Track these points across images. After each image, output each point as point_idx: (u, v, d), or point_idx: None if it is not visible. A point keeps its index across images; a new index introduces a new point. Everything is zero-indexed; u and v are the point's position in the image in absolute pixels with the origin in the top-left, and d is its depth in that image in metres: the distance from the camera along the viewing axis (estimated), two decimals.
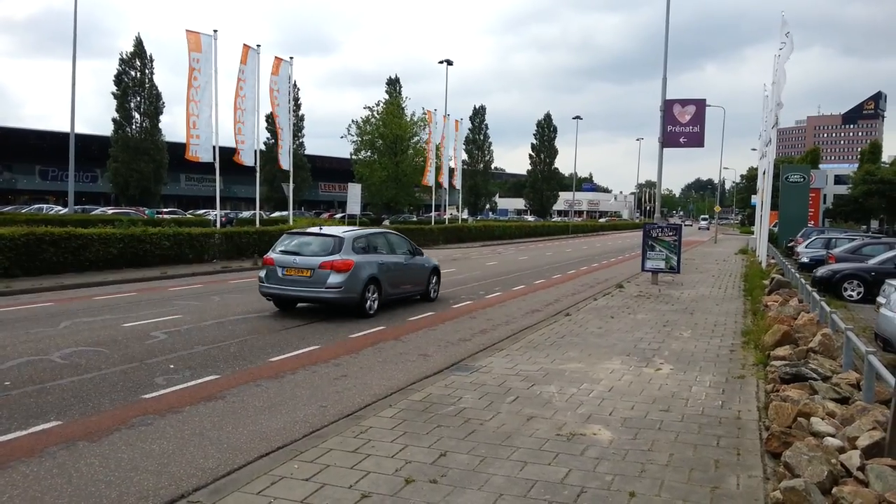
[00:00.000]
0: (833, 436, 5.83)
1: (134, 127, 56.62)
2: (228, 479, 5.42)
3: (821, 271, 19.89)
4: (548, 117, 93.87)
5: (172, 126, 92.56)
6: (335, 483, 5.25)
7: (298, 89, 62.39)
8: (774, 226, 43.35)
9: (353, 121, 60.14)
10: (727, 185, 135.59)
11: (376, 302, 13.60)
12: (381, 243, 14.64)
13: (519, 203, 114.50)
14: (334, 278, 12.82)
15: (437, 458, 5.83)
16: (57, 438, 6.27)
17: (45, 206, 50.92)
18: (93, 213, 40.87)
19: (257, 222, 31.55)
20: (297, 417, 7.12)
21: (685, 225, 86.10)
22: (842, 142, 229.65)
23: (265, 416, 7.15)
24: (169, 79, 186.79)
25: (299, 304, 14.08)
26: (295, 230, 16.80)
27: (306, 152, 71.66)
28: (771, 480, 5.36)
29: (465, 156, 70.45)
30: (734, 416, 7.18)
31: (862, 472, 4.98)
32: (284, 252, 13.50)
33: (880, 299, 12.18)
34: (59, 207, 48.02)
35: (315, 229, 15.29)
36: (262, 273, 13.48)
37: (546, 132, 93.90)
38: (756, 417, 7.10)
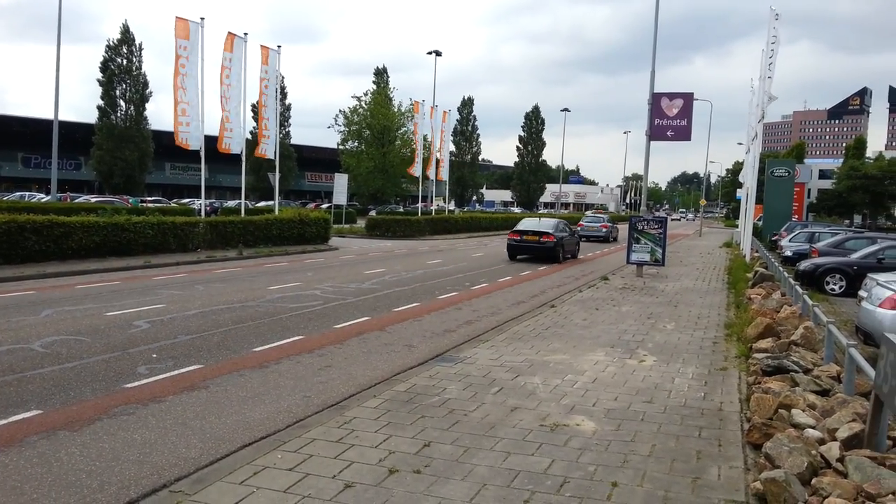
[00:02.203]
0: (813, 427, 5.89)
1: (119, 114, 56.10)
2: (211, 468, 5.40)
3: (804, 265, 20.03)
4: (536, 109, 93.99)
5: (158, 114, 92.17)
6: (318, 473, 5.25)
7: (283, 77, 61.97)
8: (759, 219, 43.63)
9: (340, 110, 60.01)
10: (713, 179, 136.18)
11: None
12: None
13: (506, 195, 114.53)
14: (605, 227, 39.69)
15: (420, 448, 5.84)
16: (37, 427, 6.22)
17: (27, 193, 50.42)
18: (76, 201, 40.49)
19: (243, 212, 31.38)
20: (281, 407, 7.10)
21: (671, 219, 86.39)
22: (827, 137, 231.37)
23: (248, 406, 7.12)
24: (154, 66, 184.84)
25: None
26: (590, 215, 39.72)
27: (293, 142, 71.32)
28: (752, 471, 5.40)
29: (452, 147, 70.43)
30: (716, 407, 7.24)
31: (841, 463, 5.04)
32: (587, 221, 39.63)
33: (862, 293, 12.28)
34: (42, 195, 47.54)
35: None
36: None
37: (534, 124, 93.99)
38: (738, 409, 7.16)
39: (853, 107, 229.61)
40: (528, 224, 27.27)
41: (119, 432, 6.20)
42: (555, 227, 26.36)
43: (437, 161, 46.18)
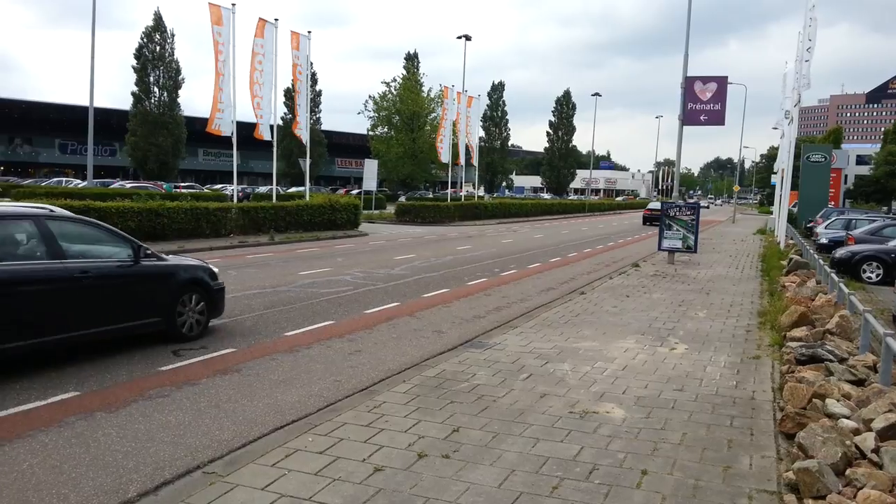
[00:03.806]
0: (848, 417, 5.80)
1: (153, 101, 56.69)
2: (243, 450, 5.49)
3: (840, 252, 19.66)
4: (567, 94, 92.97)
5: (189, 100, 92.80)
6: (349, 456, 5.30)
7: (312, 63, 62.00)
8: (794, 206, 42.91)
9: (370, 96, 59.91)
10: (747, 165, 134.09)
11: None
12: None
13: (535, 181, 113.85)
14: None
15: (449, 433, 5.86)
16: (75, 409, 6.36)
17: (64, 179, 51.32)
18: (111, 186, 41.16)
19: (274, 197, 31.64)
20: (312, 391, 7.18)
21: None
22: (865, 121, 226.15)
23: (280, 389, 7.21)
24: (185, 52, 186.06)
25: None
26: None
27: (323, 128, 71.60)
28: (784, 461, 5.35)
29: (482, 132, 70.14)
30: (748, 396, 7.16)
31: (876, 454, 4.96)
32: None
33: None
34: (79, 181, 48.37)
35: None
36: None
37: (565, 109, 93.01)
38: (770, 398, 7.07)
39: (892, 90, 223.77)
40: (653, 206, 48.43)
41: (154, 414, 6.32)
42: None
43: (467, 147, 46.08)
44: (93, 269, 7.76)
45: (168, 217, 21.23)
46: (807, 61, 21.78)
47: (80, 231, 8.24)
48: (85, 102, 35.81)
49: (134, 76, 56.05)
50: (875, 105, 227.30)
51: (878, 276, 18.21)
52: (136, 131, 56.32)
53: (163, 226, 20.99)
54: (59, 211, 8.20)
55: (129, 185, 42.44)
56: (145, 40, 55.70)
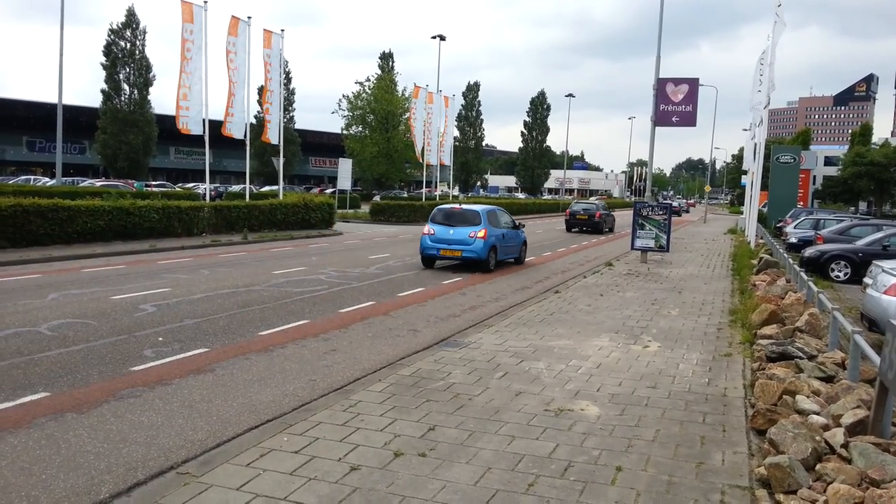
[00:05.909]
0: (818, 414, 5.90)
1: (123, 98, 55.91)
2: (218, 450, 5.44)
3: (809, 252, 19.98)
4: (542, 95, 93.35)
5: (161, 98, 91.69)
6: (324, 456, 5.28)
7: (287, 62, 61.53)
8: (764, 206, 43.52)
9: (343, 95, 59.66)
10: (718, 165, 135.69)
11: None
12: None
13: (510, 180, 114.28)
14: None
15: (425, 431, 5.87)
16: (45, 410, 6.26)
17: (32, 177, 50.39)
18: (81, 185, 40.50)
19: (247, 196, 31.36)
20: (287, 391, 7.14)
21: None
22: (833, 123, 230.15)
23: (254, 389, 7.16)
24: (156, 49, 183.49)
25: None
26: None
27: (297, 126, 71.16)
28: (756, 457, 5.42)
29: (456, 132, 70.14)
30: (720, 393, 7.25)
31: (845, 449, 5.05)
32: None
33: (867, 280, 12.27)
34: (47, 179, 47.55)
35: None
36: None
37: (539, 110, 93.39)
38: (742, 395, 7.17)
39: (859, 93, 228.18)
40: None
41: (126, 415, 6.24)
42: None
43: (439, 145, 46.07)
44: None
45: (139, 216, 20.94)
46: (771, 63, 22.10)
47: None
48: (53, 99, 35.24)
49: (103, 73, 55.24)
50: (842, 107, 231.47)
51: (845, 274, 18.53)
52: (106, 129, 55.49)
53: (134, 224, 20.70)
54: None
55: (98, 184, 41.77)
56: (114, 37, 54.89)
